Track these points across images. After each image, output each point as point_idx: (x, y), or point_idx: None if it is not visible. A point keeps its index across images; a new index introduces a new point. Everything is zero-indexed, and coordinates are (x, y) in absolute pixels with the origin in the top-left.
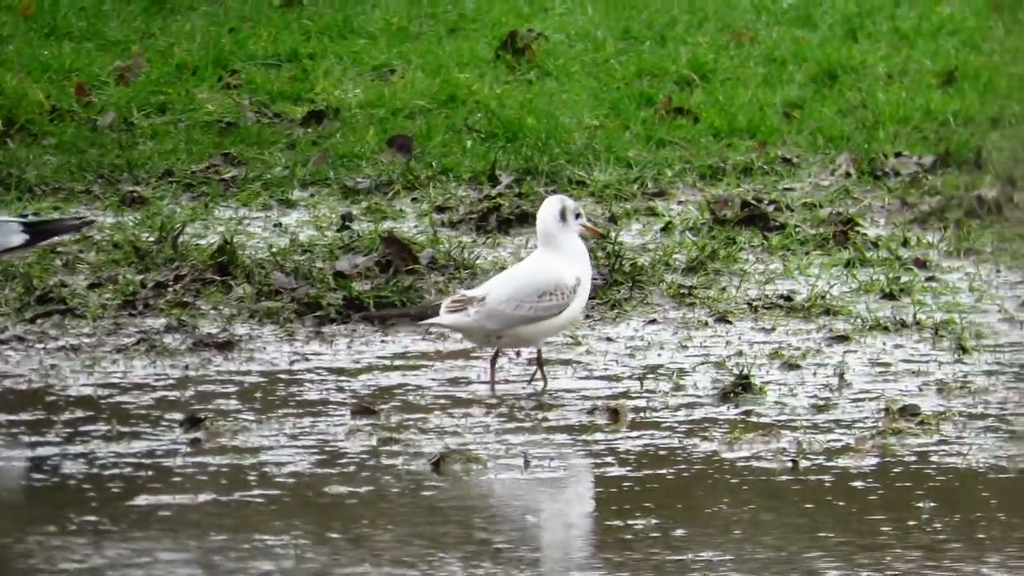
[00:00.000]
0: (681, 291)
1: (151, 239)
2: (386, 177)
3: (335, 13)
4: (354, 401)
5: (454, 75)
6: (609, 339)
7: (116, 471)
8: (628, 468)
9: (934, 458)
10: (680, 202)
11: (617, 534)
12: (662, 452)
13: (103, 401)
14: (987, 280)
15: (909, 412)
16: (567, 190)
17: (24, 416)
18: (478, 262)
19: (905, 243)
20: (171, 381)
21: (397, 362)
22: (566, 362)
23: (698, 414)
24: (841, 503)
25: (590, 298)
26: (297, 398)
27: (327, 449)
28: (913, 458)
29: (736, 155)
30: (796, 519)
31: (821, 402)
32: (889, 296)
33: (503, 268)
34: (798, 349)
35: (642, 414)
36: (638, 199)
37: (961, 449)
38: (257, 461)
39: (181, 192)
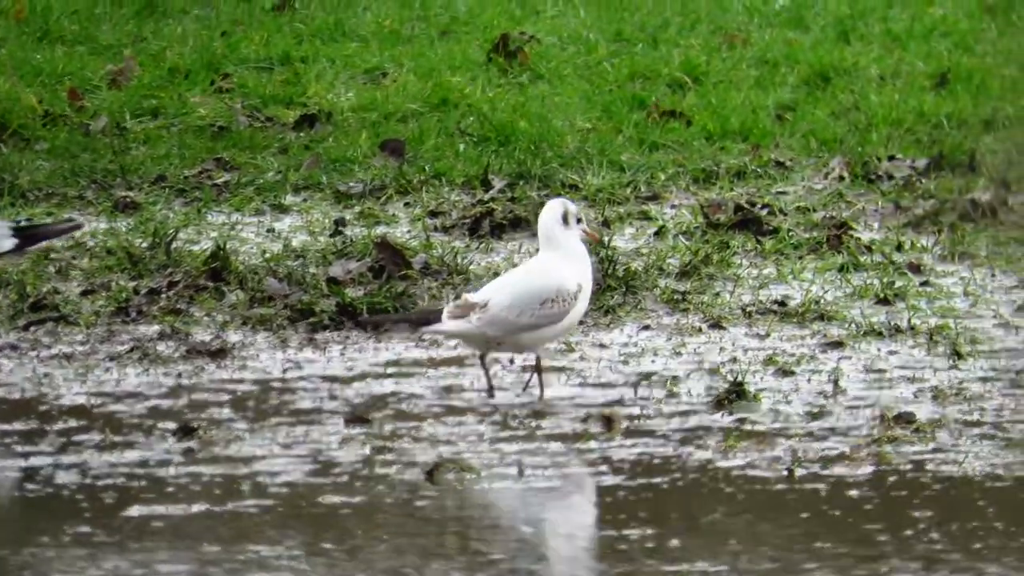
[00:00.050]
0: (675, 296)
1: (144, 245)
2: (379, 181)
3: (327, 16)
4: (347, 410)
5: (446, 78)
6: (603, 345)
7: (109, 481)
8: (623, 477)
9: (930, 466)
10: (673, 206)
11: (612, 544)
12: (657, 460)
13: (96, 410)
14: (982, 284)
15: (904, 419)
16: (560, 194)
17: (17, 425)
18: (471, 267)
19: (899, 247)
20: (164, 389)
21: (390, 370)
22: (560, 369)
23: (692, 422)
24: (837, 512)
25: None
26: (290, 407)
27: (320, 458)
28: (909, 466)
29: (729, 158)
30: (792, 528)
31: (816, 409)
32: (883, 301)
33: (497, 273)
34: (792, 355)
35: (636, 422)
36: (631, 203)
37: (957, 457)
38: (250, 471)
39: (174, 197)
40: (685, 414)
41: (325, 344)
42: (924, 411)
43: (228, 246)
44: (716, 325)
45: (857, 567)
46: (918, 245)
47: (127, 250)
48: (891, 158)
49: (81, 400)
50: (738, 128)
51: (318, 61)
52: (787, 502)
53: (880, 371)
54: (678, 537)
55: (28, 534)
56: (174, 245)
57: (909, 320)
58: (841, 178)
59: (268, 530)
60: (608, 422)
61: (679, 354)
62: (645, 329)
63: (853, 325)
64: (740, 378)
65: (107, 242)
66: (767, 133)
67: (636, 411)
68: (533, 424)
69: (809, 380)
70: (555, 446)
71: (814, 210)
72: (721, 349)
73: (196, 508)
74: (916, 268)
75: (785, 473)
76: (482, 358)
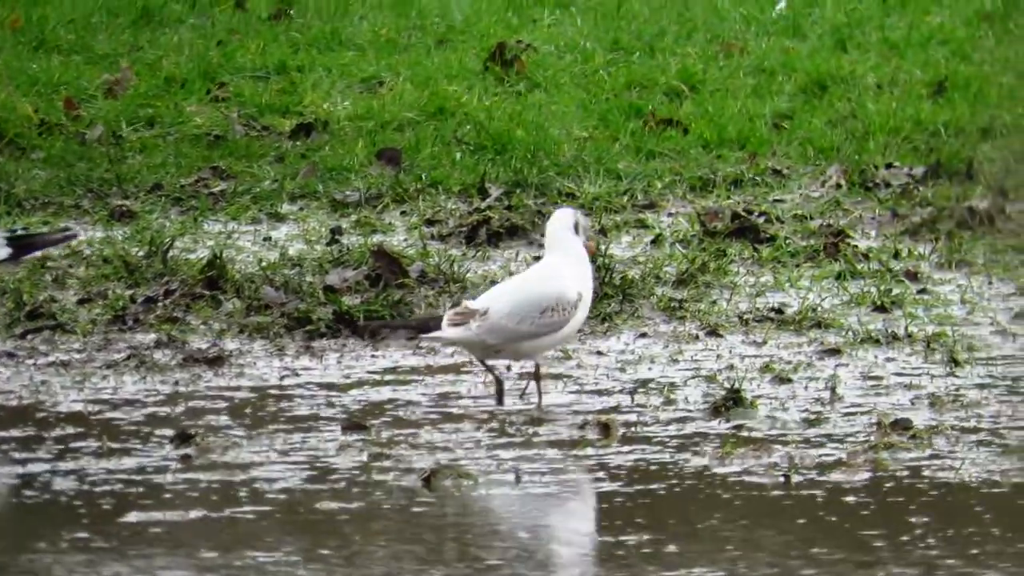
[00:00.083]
0: (671, 304)
1: (141, 254)
2: (375, 190)
3: (323, 25)
4: (345, 416)
5: (443, 87)
6: (600, 353)
7: (107, 488)
8: (619, 483)
9: (927, 472)
10: (670, 214)
11: (610, 550)
12: (653, 467)
13: (93, 417)
14: (979, 292)
15: (901, 426)
16: (556, 202)
17: (14, 432)
18: (468, 276)
19: (896, 255)
20: (161, 397)
21: (388, 377)
22: (557, 376)
23: (689, 428)
24: (834, 518)
25: None
26: (287, 414)
27: (318, 465)
28: (906, 473)
29: (726, 166)
30: (789, 535)
31: (813, 416)
32: (880, 308)
33: (494, 282)
34: (789, 363)
35: (633, 428)
36: (628, 211)
37: (954, 463)
38: (248, 477)
39: (170, 206)
40: (682, 421)
41: (322, 352)
42: (921, 418)
43: (225, 255)
44: (713, 333)
45: (854, 573)
46: (915, 253)
47: (123, 259)
48: (888, 166)
49: (78, 407)
50: (735, 136)
51: (314, 70)
52: (784, 508)
53: (877, 378)
54: (675, 543)
55: (26, 540)
56: (170, 254)
57: (906, 327)
58: (838, 186)
59: (266, 536)
60: (605, 429)
61: (676, 361)
62: (642, 337)
63: (850, 332)
64: (737, 385)
65: (103, 251)
66: (764, 141)
67: (633, 418)
68: (530, 431)
69: (806, 387)
70: (552, 453)
71: (811, 218)
72: (718, 356)
73: (194, 514)
74: (913, 276)
75: (782, 479)
76: (492, 369)
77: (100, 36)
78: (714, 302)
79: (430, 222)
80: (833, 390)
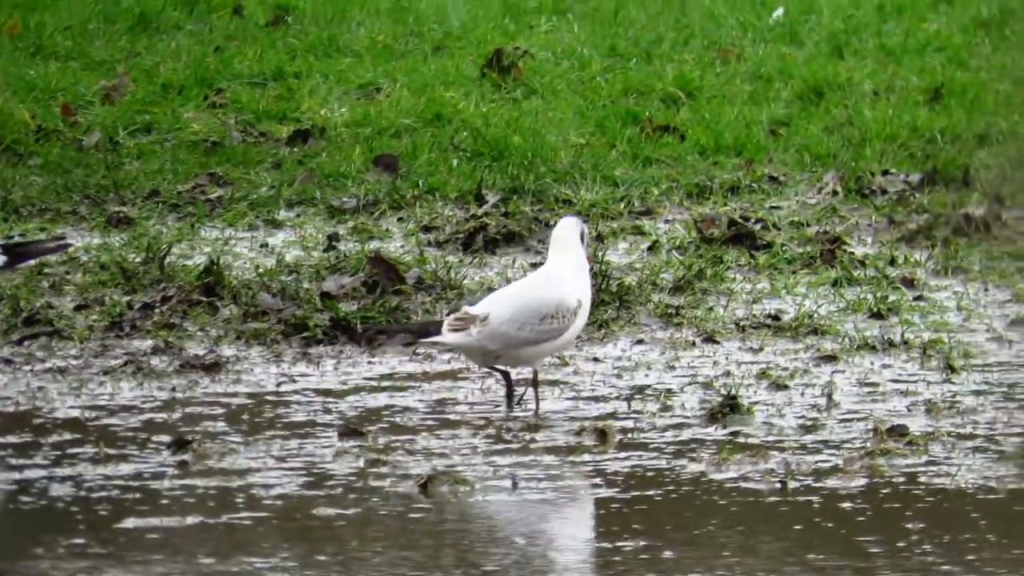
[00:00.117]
0: (668, 311)
1: (138, 260)
2: (372, 196)
3: (320, 32)
4: (341, 423)
5: (440, 93)
6: (596, 359)
7: (104, 493)
8: (616, 489)
9: (923, 479)
10: (667, 221)
11: (606, 556)
12: (650, 473)
13: (90, 423)
14: (975, 299)
15: (898, 432)
16: (553, 209)
17: (11, 439)
18: (465, 282)
19: (892, 262)
20: (158, 403)
21: (384, 383)
22: (554, 382)
23: (686, 435)
24: (830, 524)
25: None
26: (284, 420)
27: (315, 471)
28: (902, 479)
29: (723, 173)
30: (785, 541)
31: (809, 422)
32: (877, 315)
33: (491, 288)
34: (786, 369)
35: (630, 435)
36: (625, 218)
37: (950, 470)
38: (245, 483)
39: (167, 212)
40: (679, 427)
41: (319, 358)
42: (917, 424)
43: (222, 261)
44: (710, 339)
45: None
46: (912, 260)
47: (121, 265)
48: (885, 173)
49: (75, 413)
50: (732, 143)
51: (311, 76)
52: (780, 514)
53: (873, 384)
54: (672, 549)
55: (24, 546)
56: (167, 260)
57: (902, 334)
58: (835, 193)
59: (262, 542)
60: (602, 435)
61: (673, 368)
62: (639, 343)
63: (846, 339)
64: (733, 391)
65: (100, 257)
66: (761, 148)
67: (630, 424)
68: (527, 437)
69: (802, 393)
70: (549, 459)
71: (808, 225)
72: (715, 363)
73: (191, 520)
74: (910, 282)
75: (778, 486)
76: (506, 375)
77: (97, 42)
78: (711, 309)
79: (427, 228)
80: (829, 396)
